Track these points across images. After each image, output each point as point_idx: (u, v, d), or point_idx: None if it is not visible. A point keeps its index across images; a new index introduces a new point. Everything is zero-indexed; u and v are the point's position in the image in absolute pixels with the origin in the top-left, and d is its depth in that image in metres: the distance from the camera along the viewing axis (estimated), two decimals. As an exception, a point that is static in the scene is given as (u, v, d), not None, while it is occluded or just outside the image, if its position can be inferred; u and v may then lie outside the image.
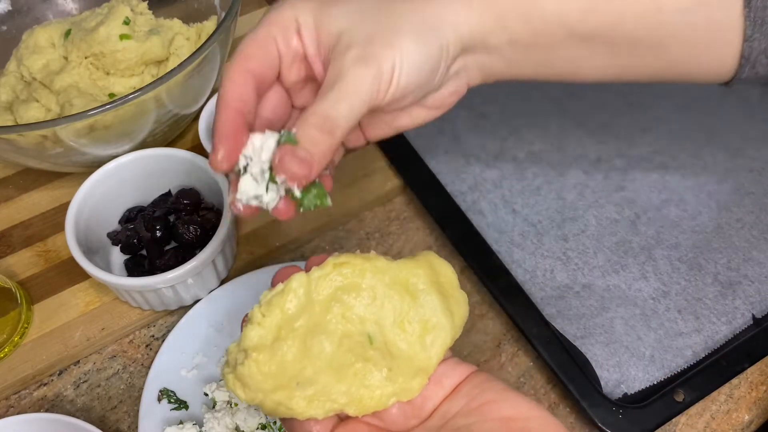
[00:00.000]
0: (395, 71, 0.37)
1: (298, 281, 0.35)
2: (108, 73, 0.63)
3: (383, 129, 0.43)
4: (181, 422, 0.50)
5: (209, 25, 0.67)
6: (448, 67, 0.40)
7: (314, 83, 0.41)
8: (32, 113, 0.61)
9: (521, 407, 0.35)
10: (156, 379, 0.52)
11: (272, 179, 0.36)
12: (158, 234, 0.57)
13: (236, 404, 0.50)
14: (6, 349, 0.54)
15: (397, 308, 0.36)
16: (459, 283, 0.39)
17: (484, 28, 0.39)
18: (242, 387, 0.35)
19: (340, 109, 0.36)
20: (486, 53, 0.40)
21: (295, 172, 0.35)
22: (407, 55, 0.37)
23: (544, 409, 0.35)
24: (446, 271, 0.39)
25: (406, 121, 0.42)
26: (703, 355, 0.53)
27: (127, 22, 0.62)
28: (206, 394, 0.52)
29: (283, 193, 0.36)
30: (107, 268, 0.56)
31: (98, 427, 0.46)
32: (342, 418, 0.37)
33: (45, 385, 0.54)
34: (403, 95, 0.38)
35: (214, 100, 0.63)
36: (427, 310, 0.36)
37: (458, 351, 0.54)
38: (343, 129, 0.36)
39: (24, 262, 0.60)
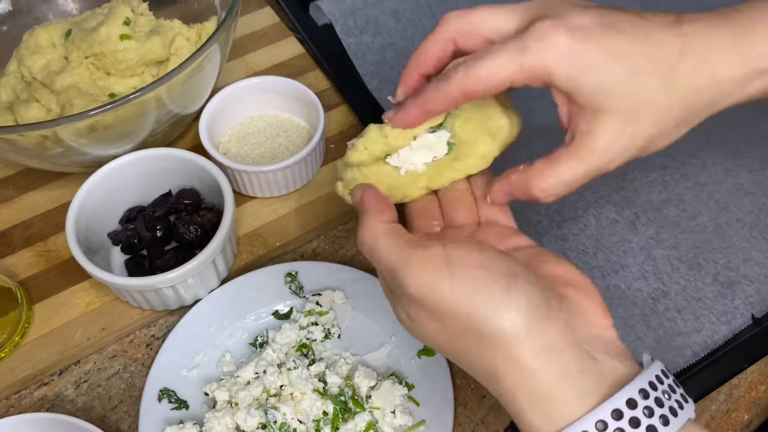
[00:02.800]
0: (651, 147, 0.39)
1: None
2: (108, 74, 0.63)
3: None
4: (181, 422, 0.50)
5: (209, 25, 0.67)
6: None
7: None
8: (32, 113, 0.61)
9: (570, 272, 0.39)
10: (156, 379, 0.52)
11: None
12: (158, 234, 0.57)
13: (236, 404, 0.50)
14: (6, 349, 0.54)
15: (467, 112, 0.43)
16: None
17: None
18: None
19: (573, 180, 0.39)
20: None
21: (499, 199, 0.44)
22: (670, 133, 0.39)
23: (589, 279, 0.39)
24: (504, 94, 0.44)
25: None
26: (703, 355, 0.53)
27: (127, 23, 0.62)
28: (206, 394, 0.52)
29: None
30: (107, 268, 0.56)
31: (98, 426, 0.47)
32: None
33: (45, 384, 0.55)
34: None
35: (214, 100, 0.63)
36: (490, 111, 0.43)
37: (458, 351, 0.54)
38: (554, 199, 0.40)
39: (24, 262, 0.60)
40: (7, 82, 0.64)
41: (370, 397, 0.51)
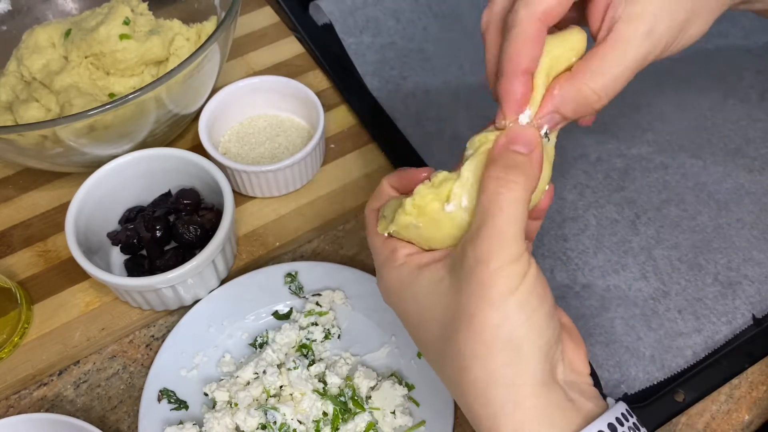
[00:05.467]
0: (678, 43, 0.37)
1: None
2: (108, 73, 0.63)
3: None
4: (181, 422, 0.50)
5: (209, 25, 0.67)
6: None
7: None
8: (32, 113, 0.61)
9: (562, 314, 0.39)
10: (156, 379, 0.52)
11: None
12: (158, 234, 0.57)
13: (236, 404, 0.50)
14: (6, 350, 0.54)
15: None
16: None
17: None
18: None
19: (624, 73, 0.36)
20: None
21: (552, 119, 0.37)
22: (703, 21, 0.38)
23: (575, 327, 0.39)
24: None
25: None
26: (703, 355, 0.53)
27: (127, 23, 0.62)
28: (206, 394, 0.52)
29: None
30: (107, 268, 0.56)
31: (98, 427, 0.47)
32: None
33: (45, 385, 0.54)
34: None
35: (214, 100, 0.63)
36: None
37: (458, 351, 0.54)
38: (607, 102, 0.37)
39: (24, 262, 0.60)
40: (6, 82, 0.64)
41: (370, 397, 0.51)
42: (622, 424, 0.35)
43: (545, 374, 0.34)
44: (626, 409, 0.36)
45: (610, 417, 0.35)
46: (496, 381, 0.34)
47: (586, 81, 0.36)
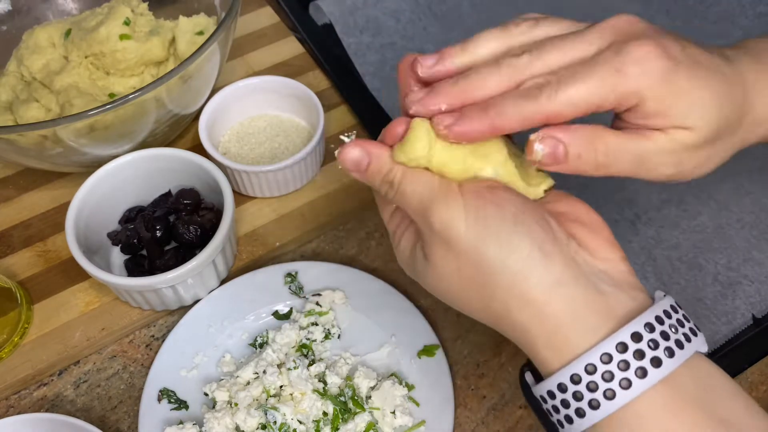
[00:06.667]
0: (699, 169, 0.41)
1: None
2: (108, 73, 0.63)
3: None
4: (181, 422, 0.50)
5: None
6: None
7: None
8: (32, 113, 0.61)
9: (578, 209, 0.40)
10: (156, 379, 0.52)
11: None
12: (158, 234, 0.57)
13: (236, 404, 0.50)
14: (6, 350, 0.54)
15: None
16: None
17: None
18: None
19: (643, 153, 0.37)
20: None
21: (544, 160, 0.37)
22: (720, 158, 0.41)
23: (598, 215, 0.39)
24: None
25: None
26: (703, 355, 0.53)
27: (127, 23, 0.62)
28: (206, 394, 0.52)
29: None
30: (107, 268, 0.56)
31: (98, 427, 0.47)
32: None
33: (45, 385, 0.55)
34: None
35: (214, 100, 0.63)
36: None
37: (458, 350, 0.54)
38: (601, 170, 0.38)
39: (24, 262, 0.60)
40: (6, 82, 0.64)
41: (370, 397, 0.51)
42: (662, 322, 0.34)
43: (556, 275, 0.34)
44: (671, 305, 0.35)
45: (649, 316, 0.33)
46: (507, 309, 0.35)
47: (605, 137, 0.37)
